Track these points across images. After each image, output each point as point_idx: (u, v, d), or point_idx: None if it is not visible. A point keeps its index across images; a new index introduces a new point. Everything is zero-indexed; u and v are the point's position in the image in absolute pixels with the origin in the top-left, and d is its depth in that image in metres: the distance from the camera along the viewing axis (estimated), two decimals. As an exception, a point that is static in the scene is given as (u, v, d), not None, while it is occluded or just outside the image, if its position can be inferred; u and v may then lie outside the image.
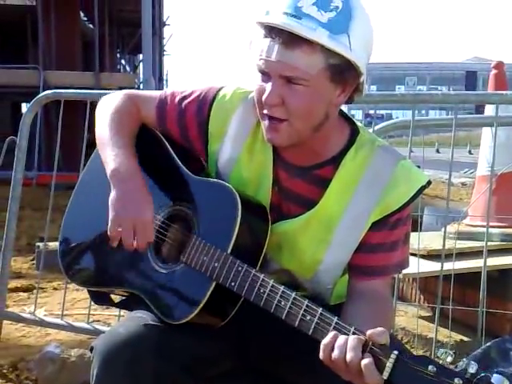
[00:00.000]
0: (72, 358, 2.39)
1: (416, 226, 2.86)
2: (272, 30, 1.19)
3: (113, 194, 1.30)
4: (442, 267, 2.31)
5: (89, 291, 1.52)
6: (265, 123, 1.26)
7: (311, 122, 1.25)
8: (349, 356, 1.05)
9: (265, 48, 1.20)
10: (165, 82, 19.60)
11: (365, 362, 1.04)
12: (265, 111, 1.24)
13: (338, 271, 1.35)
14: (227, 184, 1.31)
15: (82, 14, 14.31)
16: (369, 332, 1.07)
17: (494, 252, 2.99)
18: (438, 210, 4.34)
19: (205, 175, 1.40)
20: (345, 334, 1.09)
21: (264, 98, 1.22)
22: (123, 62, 21.40)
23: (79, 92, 3.08)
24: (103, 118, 1.44)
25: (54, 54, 11.98)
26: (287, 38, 1.17)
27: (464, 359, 1.03)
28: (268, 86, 1.21)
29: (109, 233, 1.29)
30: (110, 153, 1.36)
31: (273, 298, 1.17)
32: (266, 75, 1.23)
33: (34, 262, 4.46)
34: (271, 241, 1.30)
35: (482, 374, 0.96)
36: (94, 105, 1.58)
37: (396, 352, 1.03)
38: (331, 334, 1.09)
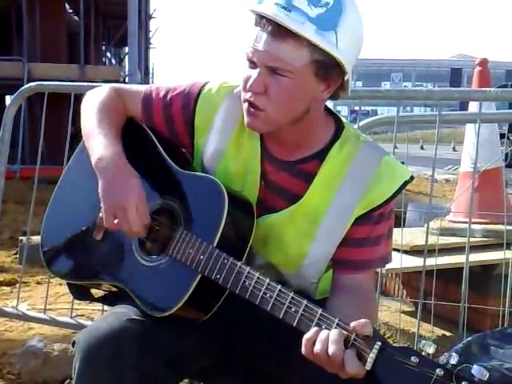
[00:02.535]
0: (55, 353, 2.39)
1: (399, 222, 2.89)
2: (262, 19, 1.20)
3: (100, 184, 1.29)
4: (424, 263, 2.33)
5: (69, 286, 1.51)
6: (245, 107, 1.28)
7: (290, 114, 1.26)
8: (331, 349, 1.06)
9: (254, 36, 1.21)
10: (150, 76, 19.51)
11: (347, 353, 1.05)
12: (246, 97, 1.26)
13: (322, 265, 1.36)
14: (214, 178, 1.31)
15: (67, 6, 14.17)
16: (353, 323, 1.08)
17: (476, 248, 3.02)
18: (422, 206, 4.38)
19: (191, 169, 1.40)
20: (329, 325, 1.10)
21: (248, 84, 1.23)
22: (109, 54, 21.24)
23: (63, 84, 3.05)
24: (89, 110, 1.44)
25: (39, 46, 11.86)
26: (275, 29, 1.17)
27: (445, 353, 1.04)
28: (253, 74, 1.22)
29: (105, 225, 1.29)
30: (94, 143, 1.35)
31: (258, 290, 1.18)
32: (252, 63, 1.23)
33: (17, 255, 4.43)
34: (257, 234, 1.30)
35: (463, 365, 0.98)
36: (78, 97, 1.58)
37: (379, 343, 1.05)
38: (313, 329, 1.10)
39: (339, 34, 1.19)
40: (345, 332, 1.08)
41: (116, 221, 1.27)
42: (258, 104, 1.24)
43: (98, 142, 1.35)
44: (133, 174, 1.30)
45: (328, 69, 1.22)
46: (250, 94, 1.24)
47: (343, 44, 1.20)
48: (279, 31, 1.17)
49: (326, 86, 1.25)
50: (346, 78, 1.26)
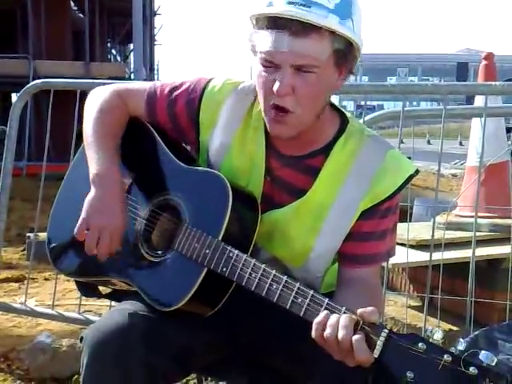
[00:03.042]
0: (63, 348, 2.40)
1: (406, 217, 2.88)
2: (277, 21, 1.19)
3: (90, 195, 1.31)
4: (430, 257, 2.33)
5: (76, 283, 1.52)
6: (270, 116, 1.26)
7: (316, 109, 1.27)
8: (340, 334, 1.06)
9: (271, 40, 1.20)
10: (155, 72, 19.53)
11: (356, 338, 1.05)
12: (273, 102, 1.24)
13: (327, 259, 1.36)
14: (218, 172, 1.32)
15: (72, 4, 14.20)
16: (360, 310, 1.08)
17: (482, 242, 3.02)
18: (428, 200, 4.37)
19: (195, 165, 1.40)
20: (336, 314, 1.10)
21: (276, 88, 1.21)
22: (114, 51, 21.27)
23: (69, 82, 3.06)
24: (89, 116, 1.45)
25: (44, 43, 11.90)
26: (297, 28, 1.17)
27: (453, 347, 1.05)
28: (278, 76, 1.21)
29: (75, 231, 1.31)
30: (93, 155, 1.37)
31: (264, 282, 1.18)
32: (272, 67, 1.22)
33: (25, 252, 4.45)
34: (262, 230, 1.31)
35: (471, 351, 0.98)
36: (84, 94, 1.58)
37: (386, 330, 1.05)
38: (323, 313, 1.10)
39: (354, 19, 1.22)
40: (354, 317, 1.08)
41: (86, 233, 1.29)
42: (287, 106, 1.23)
43: (96, 155, 1.36)
44: (121, 198, 1.32)
45: (346, 55, 1.24)
46: (276, 98, 1.23)
47: (357, 29, 1.24)
48: (301, 29, 1.17)
49: (340, 72, 1.27)
50: (356, 62, 1.28)
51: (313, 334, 1.10)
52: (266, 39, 1.21)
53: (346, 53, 1.23)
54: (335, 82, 1.28)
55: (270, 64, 1.22)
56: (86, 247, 1.30)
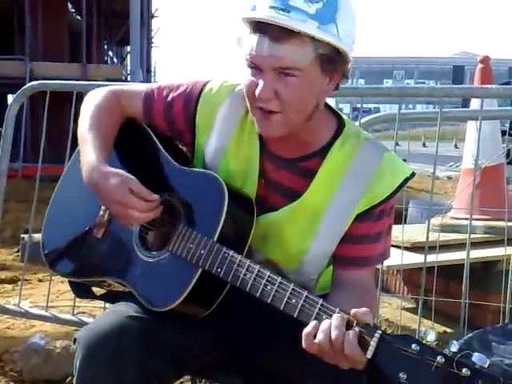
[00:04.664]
0: (57, 350, 2.39)
1: (401, 219, 2.89)
2: (260, 25, 1.19)
3: (97, 197, 1.31)
4: (425, 259, 2.33)
5: (70, 284, 1.52)
6: (257, 116, 1.26)
7: (304, 112, 1.26)
8: (333, 334, 1.06)
9: (254, 44, 1.20)
10: (152, 74, 19.51)
11: (348, 338, 1.05)
12: (258, 104, 1.24)
13: (322, 262, 1.36)
14: (214, 174, 1.32)
15: (69, 5, 14.19)
16: (353, 310, 1.08)
17: (477, 244, 3.03)
18: (423, 202, 4.38)
19: (192, 166, 1.41)
20: (330, 315, 1.10)
21: (257, 92, 1.22)
22: (111, 53, 21.26)
23: (65, 83, 3.06)
24: (84, 115, 1.44)
25: (41, 45, 11.90)
26: (276, 32, 1.17)
27: (446, 349, 1.05)
28: (261, 81, 1.21)
29: (126, 225, 1.31)
30: (84, 155, 1.36)
31: (259, 283, 1.19)
32: (257, 69, 1.23)
33: (19, 253, 4.44)
34: (257, 232, 1.31)
35: (464, 352, 0.98)
36: (80, 96, 1.58)
37: (380, 331, 1.05)
38: (312, 323, 1.10)
39: (339, 24, 1.21)
40: (346, 316, 1.08)
41: (126, 217, 1.27)
42: (272, 108, 1.23)
43: (84, 152, 1.36)
44: (113, 172, 1.29)
45: (332, 61, 1.23)
46: (260, 102, 1.23)
47: (344, 33, 1.22)
48: (281, 34, 1.17)
49: (330, 77, 1.26)
50: (348, 66, 1.27)
51: (303, 344, 1.10)
52: (250, 42, 1.22)
53: (332, 57, 1.22)
54: (325, 86, 1.26)
55: (255, 67, 1.23)
56: (135, 224, 1.30)
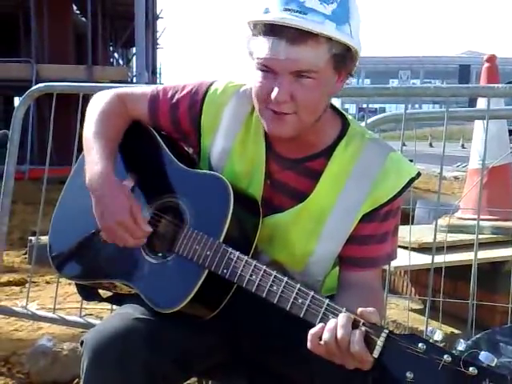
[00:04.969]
0: (64, 352, 2.40)
1: (408, 220, 2.88)
2: (274, 28, 1.18)
3: (93, 204, 1.32)
4: (432, 260, 2.32)
5: (77, 286, 1.52)
6: (267, 116, 1.26)
7: (317, 113, 1.26)
8: (339, 333, 1.06)
9: (268, 47, 1.19)
10: (158, 76, 19.56)
11: (354, 337, 1.05)
12: (271, 107, 1.23)
13: (328, 263, 1.36)
14: (219, 175, 1.32)
15: (74, 7, 14.24)
16: (360, 310, 1.08)
17: (484, 245, 3.01)
18: (430, 203, 4.36)
19: (197, 168, 1.41)
20: (336, 315, 1.10)
21: (274, 96, 1.20)
22: (116, 55, 21.31)
23: (71, 85, 3.07)
24: (89, 120, 1.45)
25: (47, 47, 11.94)
26: (293, 35, 1.16)
27: (453, 348, 1.04)
28: (276, 84, 1.20)
29: (108, 241, 1.32)
30: (88, 158, 1.37)
31: (265, 283, 1.18)
32: (270, 73, 1.21)
33: (27, 256, 4.46)
34: (262, 233, 1.31)
35: (471, 351, 0.98)
36: (86, 98, 1.58)
37: (386, 331, 1.04)
38: (319, 325, 1.10)
39: (351, 24, 1.21)
40: (352, 315, 1.08)
41: (117, 237, 1.29)
42: (287, 111, 1.22)
43: (90, 158, 1.36)
44: (121, 189, 1.31)
45: (344, 60, 1.23)
46: (274, 105, 1.22)
47: (355, 32, 1.23)
48: (298, 36, 1.17)
49: (339, 75, 1.26)
50: (355, 64, 1.27)
51: (308, 345, 1.09)
52: (263, 46, 1.20)
53: (344, 57, 1.23)
54: (334, 86, 1.27)
55: (268, 70, 1.22)
56: (121, 245, 1.30)
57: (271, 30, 1.18)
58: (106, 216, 1.29)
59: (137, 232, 1.28)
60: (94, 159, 1.35)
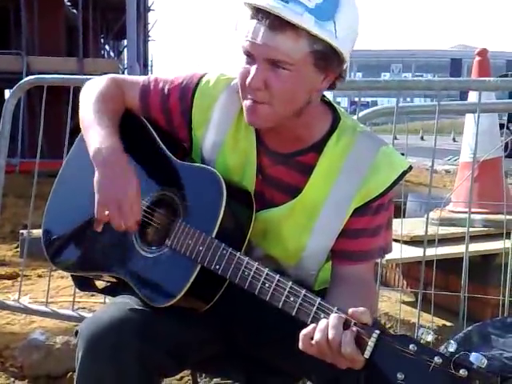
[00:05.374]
0: (57, 345, 2.39)
1: (399, 213, 2.89)
2: (259, 12, 1.18)
3: (96, 175, 1.29)
4: (424, 253, 2.33)
5: (73, 277, 1.52)
6: (245, 104, 1.26)
7: (293, 106, 1.25)
8: (331, 334, 1.06)
9: (251, 29, 1.19)
10: (149, 68, 19.46)
11: (346, 338, 1.05)
12: (247, 94, 1.24)
13: (321, 257, 1.36)
14: (212, 169, 1.31)
15: (65, -1, 14.11)
16: (351, 310, 1.08)
17: (476, 238, 3.02)
18: (422, 196, 4.38)
19: (190, 161, 1.40)
20: (328, 314, 1.10)
21: (248, 81, 1.21)
22: (107, 47, 21.16)
23: (62, 77, 3.04)
24: (87, 100, 1.43)
25: (37, 39, 11.85)
26: (273, 21, 1.16)
27: (444, 349, 1.05)
28: (252, 70, 1.21)
29: (96, 216, 1.29)
30: (92, 134, 1.34)
31: (257, 280, 1.19)
32: (250, 57, 1.22)
33: (18, 249, 4.44)
34: (256, 228, 1.31)
35: (462, 353, 0.99)
36: (77, 90, 1.57)
37: (377, 331, 1.05)
38: (310, 326, 1.10)
39: (337, 23, 1.19)
40: (344, 316, 1.08)
41: (107, 213, 1.27)
42: (260, 99, 1.22)
43: (95, 133, 1.34)
44: (133, 171, 1.30)
45: (327, 59, 1.21)
46: (249, 91, 1.23)
47: (341, 33, 1.20)
48: (278, 23, 1.16)
49: (325, 75, 1.25)
50: (344, 67, 1.26)
51: (300, 345, 1.09)
52: (247, 27, 1.21)
53: (327, 55, 1.20)
54: (319, 84, 1.25)
55: (248, 54, 1.22)
56: (112, 225, 1.28)
57: (257, 13, 1.18)
58: (111, 190, 1.26)
59: (129, 218, 1.27)
60: (100, 134, 1.32)
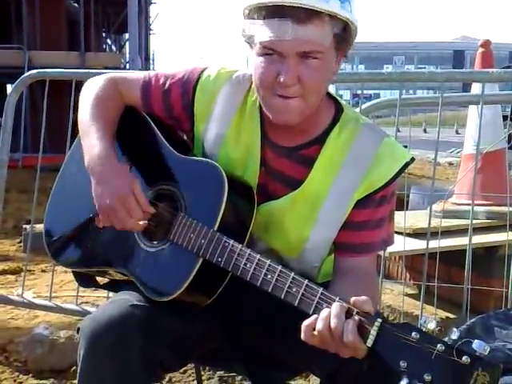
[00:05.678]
0: (61, 340, 2.40)
1: (402, 205, 2.89)
2: (278, 10, 1.17)
3: (92, 186, 1.30)
4: (427, 245, 2.33)
5: (74, 274, 1.52)
6: (273, 104, 1.24)
7: (320, 95, 1.27)
8: (333, 322, 1.06)
9: (272, 29, 1.18)
10: (151, 62, 19.44)
11: (348, 326, 1.05)
12: (278, 92, 1.23)
13: (324, 249, 1.36)
14: (213, 162, 1.31)
15: (66, -7, 14.06)
16: (353, 299, 1.08)
17: (479, 230, 3.03)
18: (425, 188, 4.37)
19: (191, 155, 1.40)
20: (330, 304, 1.10)
21: (282, 79, 1.20)
22: (109, 41, 21.13)
23: (64, 71, 3.04)
24: (84, 104, 1.44)
25: (39, 33, 11.82)
26: (300, 15, 1.17)
27: (446, 337, 1.05)
28: (284, 67, 1.20)
29: (103, 224, 1.30)
30: (86, 140, 1.36)
31: (259, 272, 1.18)
32: (273, 56, 1.21)
33: (21, 244, 4.45)
34: (258, 221, 1.30)
35: (464, 340, 0.99)
36: (79, 84, 1.57)
37: (380, 320, 1.05)
38: (312, 317, 1.10)
39: (351, 1, 1.23)
40: (346, 305, 1.08)
41: (109, 218, 1.27)
42: (293, 94, 1.22)
43: (88, 141, 1.35)
44: (122, 169, 1.30)
45: (345, 39, 1.24)
46: (280, 89, 1.21)
47: (354, 10, 1.24)
48: (304, 15, 1.17)
49: (338, 56, 1.27)
50: (352, 42, 1.28)
51: (302, 336, 1.09)
52: (266, 29, 1.19)
53: (344, 36, 1.24)
54: (334, 66, 1.28)
55: (272, 54, 1.21)
56: (121, 228, 1.28)
57: (274, 11, 1.18)
58: (106, 195, 1.26)
59: (137, 212, 1.26)
60: (92, 141, 1.34)
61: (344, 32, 1.23)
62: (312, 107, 1.26)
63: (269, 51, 1.21)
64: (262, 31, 1.20)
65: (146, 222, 1.29)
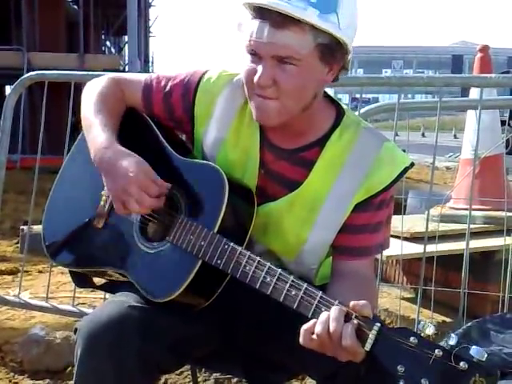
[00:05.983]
0: (57, 341, 2.40)
1: (400, 209, 2.89)
2: (261, 11, 1.19)
3: (103, 177, 1.29)
4: (424, 249, 2.34)
5: (71, 273, 1.52)
6: (254, 103, 1.26)
7: (302, 101, 1.26)
8: (332, 326, 1.06)
9: (254, 29, 1.20)
10: (150, 64, 19.45)
11: (347, 330, 1.05)
12: (256, 92, 1.24)
13: (321, 252, 1.36)
14: (214, 165, 1.31)
15: (65, -5, 14.08)
16: (352, 303, 1.08)
17: (476, 234, 3.03)
18: (422, 193, 4.38)
19: (192, 157, 1.41)
20: (329, 307, 1.10)
21: (256, 79, 1.22)
22: (108, 43, 21.14)
23: (63, 73, 3.04)
24: (88, 101, 1.44)
25: (38, 35, 11.82)
26: (277, 19, 1.17)
27: (444, 342, 1.05)
28: (259, 68, 1.21)
29: (120, 213, 1.28)
30: (91, 135, 1.36)
31: (258, 275, 1.18)
32: (256, 56, 1.23)
33: (19, 245, 4.44)
34: (256, 222, 1.31)
35: (462, 346, 0.99)
36: (78, 86, 1.58)
37: (378, 324, 1.05)
38: (311, 321, 1.10)
39: (340, 14, 1.20)
40: (345, 308, 1.08)
41: (128, 203, 1.25)
42: (269, 95, 1.23)
43: (93, 134, 1.35)
44: (129, 153, 1.29)
45: (332, 51, 1.22)
46: (258, 89, 1.23)
47: (344, 24, 1.21)
48: (282, 20, 1.17)
49: (330, 68, 1.26)
50: (348, 58, 1.27)
51: (301, 340, 1.09)
52: (250, 28, 1.21)
53: (332, 48, 1.22)
54: (324, 77, 1.26)
55: (254, 53, 1.23)
56: (136, 211, 1.26)
57: (259, 12, 1.20)
58: (118, 179, 1.25)
59: (152, 188, 1.25)
60: (96, 133, 1.34)
61: (333, 43, 1.21)
62: (291, 111, 1.25)
63: (252, 51, 1.23)
64: (248, 30, 1.22)
65: (164, 198, 1.27)
